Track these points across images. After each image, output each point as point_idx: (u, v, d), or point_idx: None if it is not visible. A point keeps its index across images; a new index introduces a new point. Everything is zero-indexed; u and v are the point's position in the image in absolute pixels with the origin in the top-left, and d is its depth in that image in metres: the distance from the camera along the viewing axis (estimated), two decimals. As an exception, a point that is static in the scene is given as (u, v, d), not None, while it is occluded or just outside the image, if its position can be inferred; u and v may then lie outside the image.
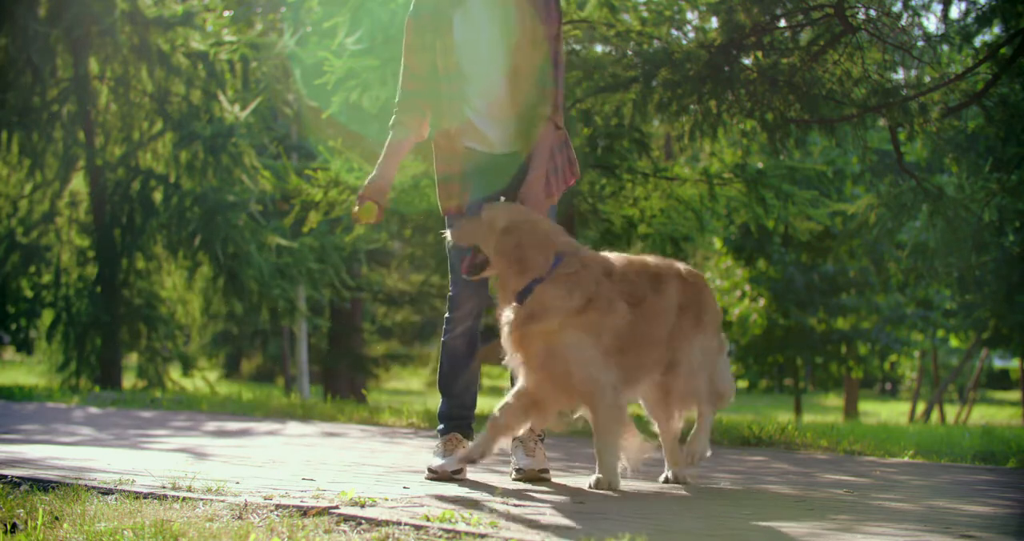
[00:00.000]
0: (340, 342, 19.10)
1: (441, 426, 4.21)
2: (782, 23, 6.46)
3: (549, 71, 4.06)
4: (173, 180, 13.17)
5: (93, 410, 8.19)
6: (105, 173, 13.14)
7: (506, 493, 3.57)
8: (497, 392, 31.62)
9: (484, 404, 5.44)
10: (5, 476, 3.61)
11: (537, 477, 4.00)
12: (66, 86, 13.15)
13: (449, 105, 4.12)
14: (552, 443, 5.24)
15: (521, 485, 3.86)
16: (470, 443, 4.07)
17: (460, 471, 4.00)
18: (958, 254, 6.99)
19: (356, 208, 4.11)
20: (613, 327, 3.61)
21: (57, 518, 2.95)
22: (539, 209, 3.91)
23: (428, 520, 2.90)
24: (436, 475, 4.00)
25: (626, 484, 3.81)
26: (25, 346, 14.14)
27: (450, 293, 4.21)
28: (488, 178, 4.13)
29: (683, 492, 3.79)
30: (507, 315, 3.68)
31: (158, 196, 13.34)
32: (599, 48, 8.26)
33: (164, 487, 3.44)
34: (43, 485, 3.49)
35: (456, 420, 4.19)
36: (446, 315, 4.22)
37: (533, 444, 4.08)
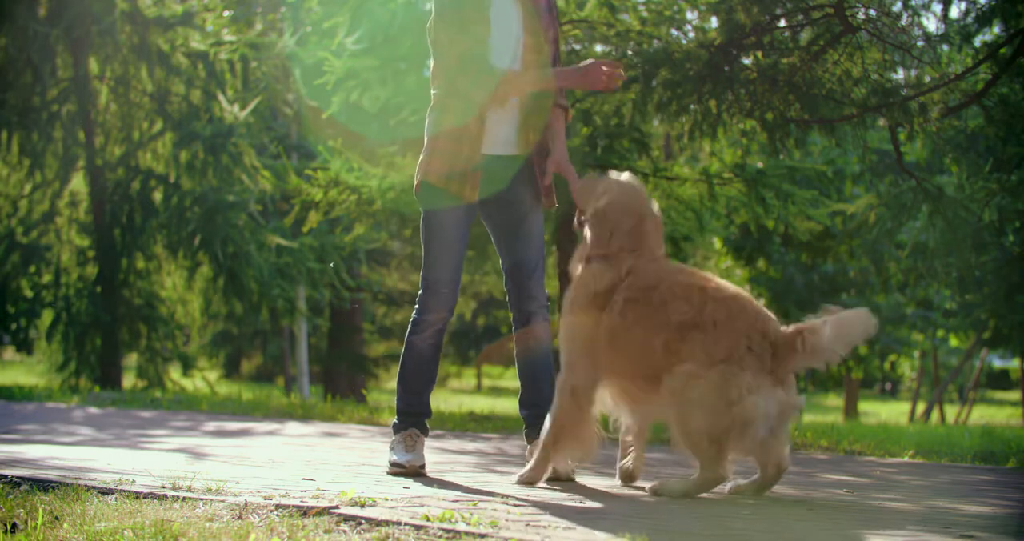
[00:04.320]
0: (340, 342, 19.10)
1: (396, 421, 4.25)
2: (782, 23, 6.46)
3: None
4: (173, 180, 13.17)
5: (93, 410, 8.18)
6: (105, 173, 13.13)
7: (506, 493, 3.57)
8: (497, 392, 31.61)
9: (485, 404, 5.45)
10: (5, 476, 3.61)
11: (569, 480, 3.94)
12: (66, 86, 13.15)
13: (462, 100, 4.07)
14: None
15: (520, 485, 3.86)
16: (423, 438, 4.18)
17: (424, 466, 4.09)
18: (958, 254, 6.99)
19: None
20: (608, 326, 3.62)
21: (57, 518, 2.95)
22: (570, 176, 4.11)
23: (428, 520, 2.90)
24: (403, 469, 4.07)
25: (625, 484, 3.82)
26: (25, 346, 14.12)
27: (420, 294, 4.18)
28: (488, 180, 4.14)
29: (683, 492, 3.79)
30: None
31: (158, 196, 13.34)
32: (599, 48, 8.26)
33: (164, 487, 3.44)
34: (43, 485, 3.49)
35: (414, 416, 4.22)
36: (414, 316, 4.19)
37: None
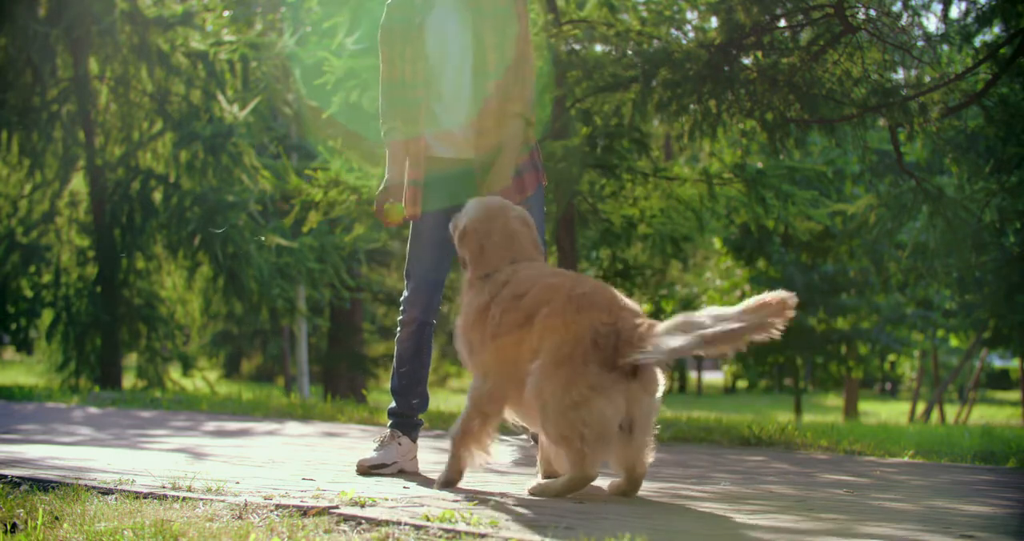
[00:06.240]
0: (340, 342, 19.10)
1: (390, 421, 4.34)
2: (782, 23, 6.46)
3: (519, 71, 4.10)
4: (173, 180, 13.16)
5: (93, 410, 8.18)
6: (105, 173, 13.13)
7: (506, 493, 3.57)
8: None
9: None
10: (5, 476, 3.61)
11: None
12: (66, 86, 13.14)
13: (418, 112, 4.19)
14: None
15: (521, 485, 3.85)
16: (406, 438, 4.23)
17: (380, 466, 4.11)
18: (958, 254, 6.99)
19: (384, 208, 4.24)
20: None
21: (57, 518, 2.95)
22: (506, 197, 3.98)
23: (428, 520, 2.90)
24: (357, 469, 4.13)
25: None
26: (25, 346, 14.12)
27: (404, 295, 4.28)
28: (452, 184, 4.18)
29: (683, 492, 3.79)
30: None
31: (158, 196, 13.34)
32: (599, 48, 8.26)
33: (164, 487, 3.44)
34: (43, 485, 3.49)
35: (399, 417, 4.31)
36: (399, 317, 4.31)
37: None
